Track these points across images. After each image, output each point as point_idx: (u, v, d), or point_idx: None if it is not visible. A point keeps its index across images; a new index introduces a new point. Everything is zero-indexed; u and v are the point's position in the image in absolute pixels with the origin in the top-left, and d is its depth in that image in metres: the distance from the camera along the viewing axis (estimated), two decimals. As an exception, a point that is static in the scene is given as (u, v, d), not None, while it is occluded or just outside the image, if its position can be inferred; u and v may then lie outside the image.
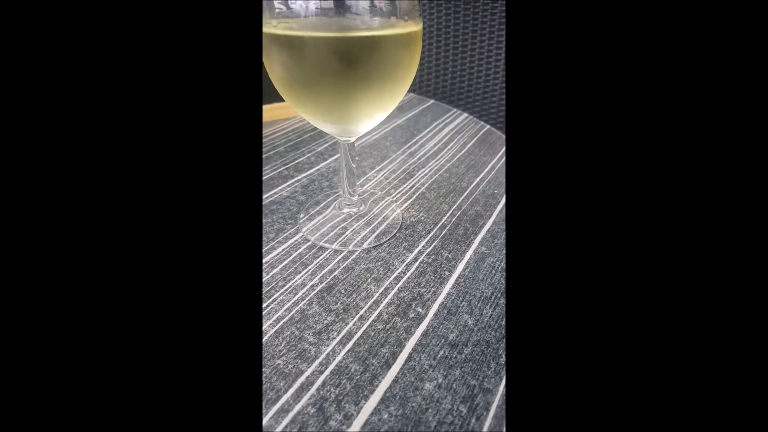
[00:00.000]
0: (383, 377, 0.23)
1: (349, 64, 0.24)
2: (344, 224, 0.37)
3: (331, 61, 0.23)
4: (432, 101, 0.69)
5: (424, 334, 0.26)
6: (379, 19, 0.25)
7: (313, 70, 0.24)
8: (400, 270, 0.32)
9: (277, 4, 0.26)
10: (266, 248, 0.34)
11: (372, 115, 0.29)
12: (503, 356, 0.25)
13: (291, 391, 0.23)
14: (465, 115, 0.63)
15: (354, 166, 0.36)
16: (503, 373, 0.24)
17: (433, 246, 0.35)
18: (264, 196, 0.41)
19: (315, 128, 0.57)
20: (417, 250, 0.34)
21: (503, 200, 0.41)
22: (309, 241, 0.35)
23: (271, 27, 0.25)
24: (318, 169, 0.47)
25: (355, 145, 0.53)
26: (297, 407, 0.22)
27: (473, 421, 0.21)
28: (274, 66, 0.27)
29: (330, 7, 0.25)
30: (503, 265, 0.32)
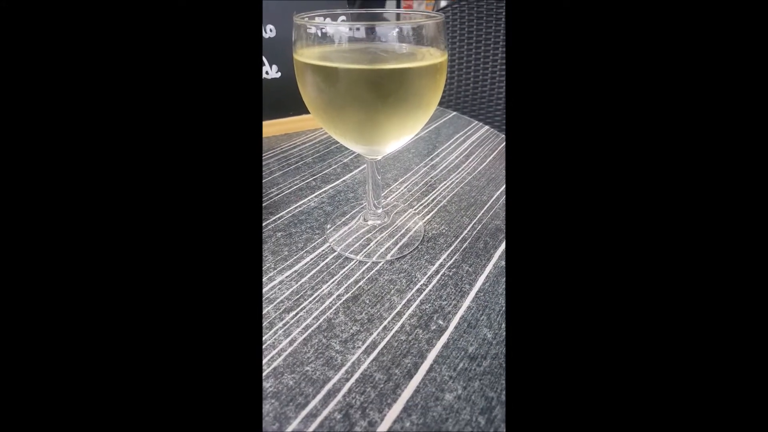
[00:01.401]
0: (406, 387, 0.25)
1: (378, 93, 0.25)
2: (369, 235, 0.38)
3: (362, 91, 0.25)
4: (454, 113, 0.70)
5: (445, 346, 0.28)
6: (408, 49, 0.27)
7: (344, 98, 0.26)
8: (422, 282, 0.33)
9: (310, 30, 0.28)
10: (295, 257, 0.36)
11: (398, 137, 0.30)
12: (521, 370, 0.26)
13: (319, 396, 0.24)
14: (486, 127, 0.64)
15: (379, 178, 0.38)
16: (520, 386, 0.25)
17: (454, 259, 0.36)
18: (293, 206, 0.43)
19: (340, 139, 0.59)
20: (438, 262, 0.35)
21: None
22: (335, 251, 0.36)
23: (304, 55, 0.27)
24: (344, 180, 0.49)
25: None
26: (324, 412, 0.23)
27: (491, 432, 0.22)
28: (307, 90, 0.28)
29: (362, 36, 0.26)
30: (522, 280, 0.33)
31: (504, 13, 0.83)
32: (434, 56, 0.28)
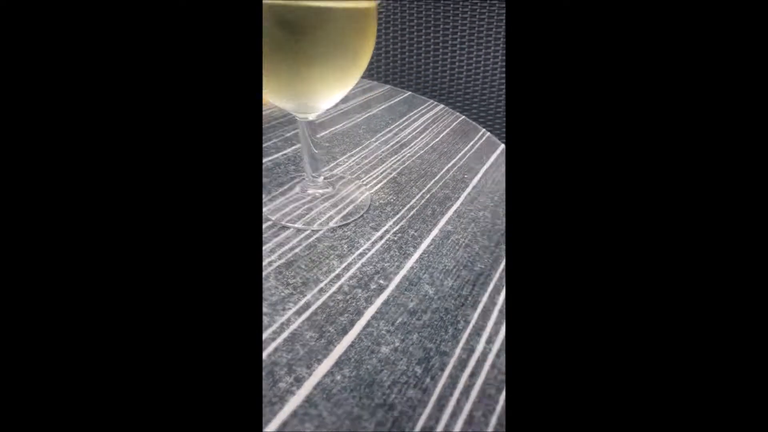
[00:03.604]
0: (339, 342, 0.23)
1: (291, 33, 0.23)
2: (309, 205, 0.36)
3: (275, 30, 0.23)
4: (409, 93, 0.69)
5: (385, 303, 0.26)
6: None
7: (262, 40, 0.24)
8: (365, 247, 0.31)
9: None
10: (229, 228, 0.33)
11: (326, 90, 0.28)
12: (462, 322, 0.24)
13: (243, 359, 0.22)
14: (441, 106, 0.63)
15: (315, 150, 0.36)
16: (461, 336, 0.23)
17: (399, 225, 0.34)
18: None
19: (283, 115, 0.57)
20: (384, 228, 0.34)
21: (473, 183, 0.41)
22: (270, 220, 0.34)
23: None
24: (284, 154, 0.46)
25: (325, 130, 0.53)
26: (248, 374, 0.21)
27: (428, 380, 0.21)
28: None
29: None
30: (467, 241, 0.32)
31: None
32: (360, 2, 0.26)
